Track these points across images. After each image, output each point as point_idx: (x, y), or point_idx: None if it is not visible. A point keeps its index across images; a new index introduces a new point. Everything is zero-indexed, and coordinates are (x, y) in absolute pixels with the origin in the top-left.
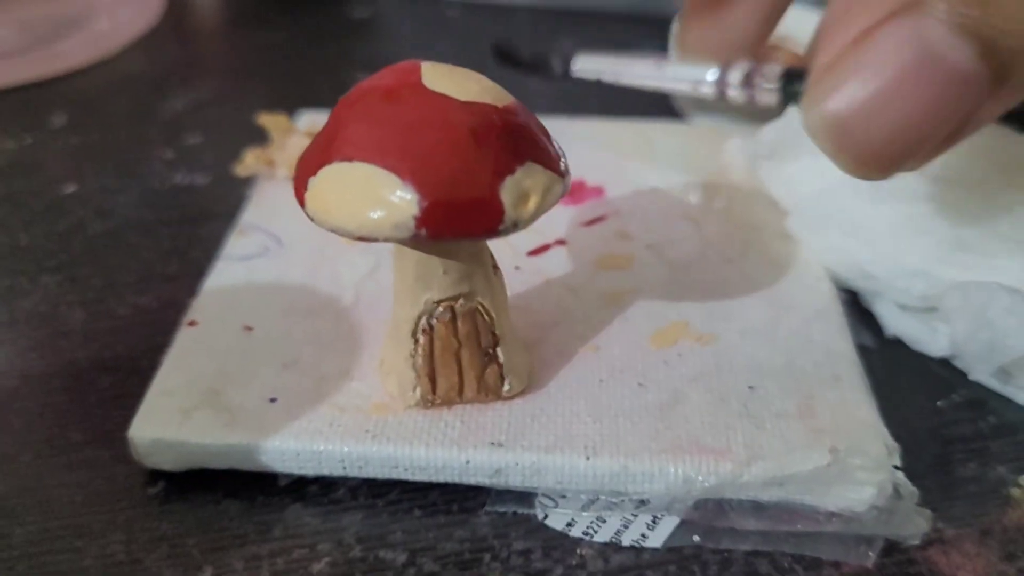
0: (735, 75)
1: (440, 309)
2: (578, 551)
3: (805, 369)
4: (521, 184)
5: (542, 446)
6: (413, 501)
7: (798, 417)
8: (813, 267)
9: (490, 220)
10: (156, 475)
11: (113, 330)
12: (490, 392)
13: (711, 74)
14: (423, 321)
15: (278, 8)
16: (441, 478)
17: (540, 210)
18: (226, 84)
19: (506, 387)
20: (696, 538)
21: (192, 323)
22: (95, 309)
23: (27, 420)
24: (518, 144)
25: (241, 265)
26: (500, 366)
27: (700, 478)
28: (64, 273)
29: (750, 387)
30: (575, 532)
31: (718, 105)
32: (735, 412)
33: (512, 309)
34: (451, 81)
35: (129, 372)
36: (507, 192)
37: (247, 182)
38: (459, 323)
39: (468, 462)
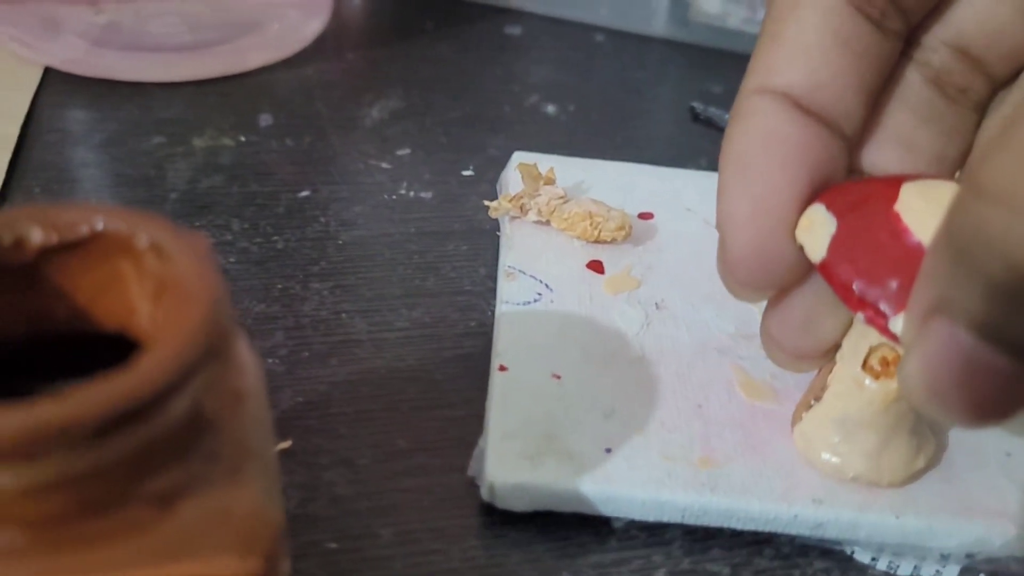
0: None
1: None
2: None
3: None
4: None
5: (856, 505)
6: None
7: None
8: None
9: None
10: None
11: (398, 341)
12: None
13: None
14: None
15: (436, 20)
16: (767, 528)
17: None
18: (412, 95)
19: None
20: None
21: (503, 368)
22: (374, 319)
23: (349, 426)
24: None
25: (524, 311)
26: None
27: (990, 537)
28: (332, 281)
29: (1007, 454)
30: (880, 566)
31: None
32: (998, 475)
33: None
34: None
35: (427, 384)
36: None
37: (473, 203)
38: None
39: (796, 516)
